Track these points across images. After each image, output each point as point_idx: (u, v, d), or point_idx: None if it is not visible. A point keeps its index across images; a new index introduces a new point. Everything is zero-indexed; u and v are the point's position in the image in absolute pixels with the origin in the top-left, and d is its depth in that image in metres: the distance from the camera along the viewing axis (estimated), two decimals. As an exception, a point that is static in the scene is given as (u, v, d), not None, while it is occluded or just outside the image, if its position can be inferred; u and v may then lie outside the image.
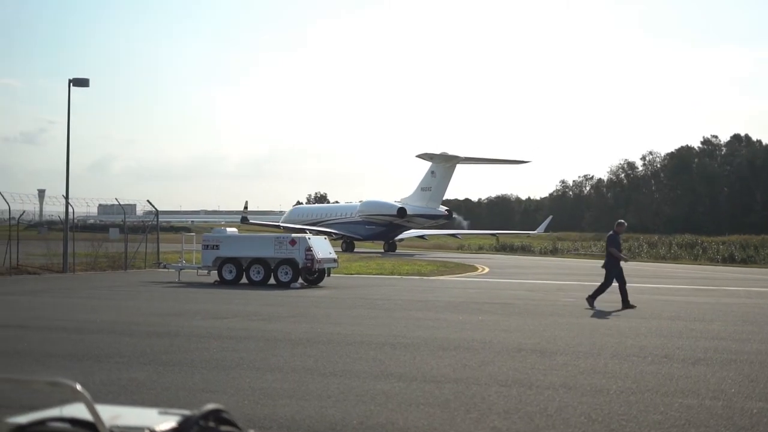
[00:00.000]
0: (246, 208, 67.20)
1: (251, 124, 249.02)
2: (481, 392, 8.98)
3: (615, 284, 19.94)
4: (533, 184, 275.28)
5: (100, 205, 57.73)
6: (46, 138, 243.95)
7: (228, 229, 29.96)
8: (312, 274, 26.33)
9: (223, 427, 2.48)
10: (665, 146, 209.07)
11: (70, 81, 33.58)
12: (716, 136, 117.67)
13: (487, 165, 73.70)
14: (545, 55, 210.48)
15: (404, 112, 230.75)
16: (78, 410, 2.39)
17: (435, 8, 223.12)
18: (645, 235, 79.08)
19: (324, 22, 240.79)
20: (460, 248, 72.59)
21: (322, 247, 26.95)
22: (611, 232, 20.74)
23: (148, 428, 2.35)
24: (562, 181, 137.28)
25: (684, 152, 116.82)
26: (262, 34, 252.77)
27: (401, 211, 61.42)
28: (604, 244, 22.13)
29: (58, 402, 2.50)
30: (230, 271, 26.78)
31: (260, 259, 26.46)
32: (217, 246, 27.03)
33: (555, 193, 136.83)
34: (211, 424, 2.45)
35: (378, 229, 63.54)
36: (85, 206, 43.64)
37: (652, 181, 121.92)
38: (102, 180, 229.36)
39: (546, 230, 72.78)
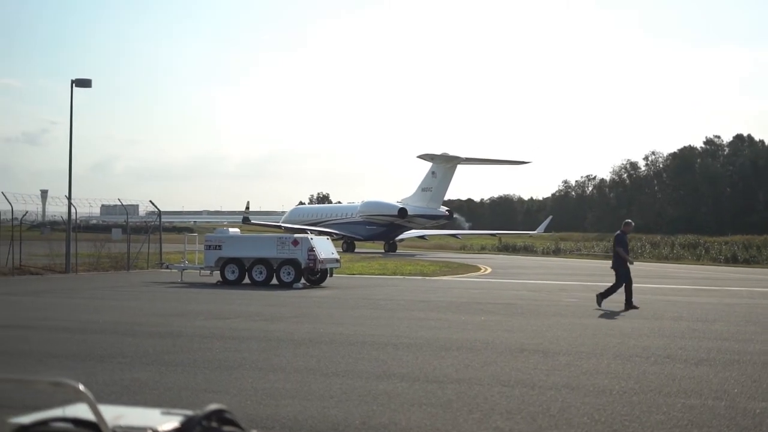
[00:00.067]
0: (248, 208, 67.13)
1: (252, 125, 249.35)
2: (483, 392, 8.97)
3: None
4: (536, 185, 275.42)
5: (102, 205, 57.69)
6: (48, 138, 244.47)
7: (230, 230, 30.00)
8: (314, 274, 26.35)
9: (226, 428, 2.48)
10: (667, 146, 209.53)
11: (72, 81, 33.62)
12: (719, 136, 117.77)
13: (489, 165, 73.78)
14: (546, 55, 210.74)
15: (405, 113, 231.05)
16: (81, 410, 2.39)
17: (435, 8, 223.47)
18: (647, 235, 79.04)
19: (324, 22, 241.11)
20: (463, 248, 72.60)
21: (325, 248, 26.96)
22: (618, 232, 20.68)
23: (151, 428, 2.35)
24: (565, 181, 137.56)
25: (687, 152, 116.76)
26: (262, 34, 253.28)
27: (402, 212, 61.51)
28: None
29: (61, 402, 2.50)
30: (233, 272, 26.80)
31: (263, 260, 26.48)
32: (219, 246, 27.06)
33: (557, 194, 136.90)
34: (214, 424, 2.45)
35: (379, 230, 63.61)
36: (87, 207, 43.69)
37: (655, 181, 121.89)
38: (104, 180, 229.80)
39: (547, 230, 72.79)
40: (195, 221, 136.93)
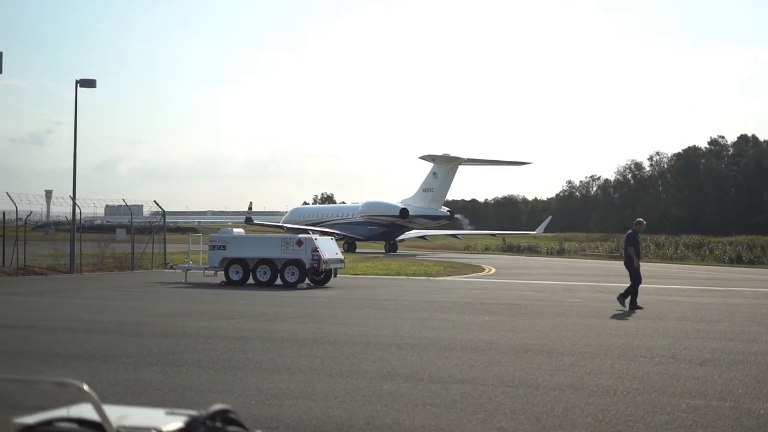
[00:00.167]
0: (250, 208, 67.25)
1: (254, 125, 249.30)
2: (487, 393, 8.97)
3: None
4: (540, 185, 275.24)
5: (107, 205, 57.89)
6: (52, 139, 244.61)
7: (235, 230, 30.03)
8: (318, 274, 26.36)
9: (230, 428, 2.48)
10: (670, 146, 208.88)
11: (77, 82, 33.68)
12: (723, 137, 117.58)
13: (491, 166, 73.77)
14: (549, 55, 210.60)
15: (406, 113, 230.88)
16: (85, 410, 2.39)
17: (436, 8, 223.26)
18: (652, 236, 78.78)
19: (326, 22, 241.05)
20: (467, 249, 72.67)
21: (329, 248, 26.97)
22: (630, 231, 20.71)
23: (155, 428, 2.36)
24: (569, 182, 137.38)
25: (691, 153, 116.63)
26: (263, 34, 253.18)
27: (403, 212, 61.66)
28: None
29: (65, 402, 2.50)
30: (237, 272, 26.83)
31: (267, 260, 26.50)
32: (223, 247, 27.09)
33: (562, 194, 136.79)
34: (218, 424, 2.45)
35: (380, 230, 63.76)
36: (92, 207, 43.83)
37: (659, 182, 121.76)
38: (108, 181, 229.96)
39: (551, 231, 72.75)
40: (199, 221, 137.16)
